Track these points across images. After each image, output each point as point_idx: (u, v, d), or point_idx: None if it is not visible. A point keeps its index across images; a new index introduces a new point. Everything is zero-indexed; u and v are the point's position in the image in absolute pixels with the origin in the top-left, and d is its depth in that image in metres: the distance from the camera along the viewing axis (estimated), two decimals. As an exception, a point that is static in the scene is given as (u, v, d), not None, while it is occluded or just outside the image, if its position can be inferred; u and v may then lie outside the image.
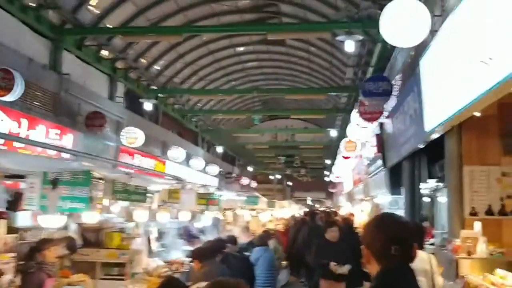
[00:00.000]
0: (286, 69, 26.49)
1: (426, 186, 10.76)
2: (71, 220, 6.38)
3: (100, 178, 5.78)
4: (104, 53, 17.20)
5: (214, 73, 25.12)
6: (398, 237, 2.36)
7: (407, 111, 9.11)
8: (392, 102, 11.04)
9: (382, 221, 2.48)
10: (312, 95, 24.31)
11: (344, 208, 24.97)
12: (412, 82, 8.56)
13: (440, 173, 9.30)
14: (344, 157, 20.09)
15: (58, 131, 12.64)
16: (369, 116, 12.10)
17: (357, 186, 19.81)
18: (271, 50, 23.84)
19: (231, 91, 26.10)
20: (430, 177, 10.12)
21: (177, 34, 14.68)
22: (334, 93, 23.20)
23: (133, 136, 17.06)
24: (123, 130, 17.06)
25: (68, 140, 13.28)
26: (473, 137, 6.96)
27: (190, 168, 24.73)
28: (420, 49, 8.43)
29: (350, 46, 12.23)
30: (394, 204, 13.68)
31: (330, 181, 35.49)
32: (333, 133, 26.15)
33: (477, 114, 6.13)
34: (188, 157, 25.02)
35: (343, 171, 24.55)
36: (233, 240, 7.95)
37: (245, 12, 19.01)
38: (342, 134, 24.72)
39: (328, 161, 37.35)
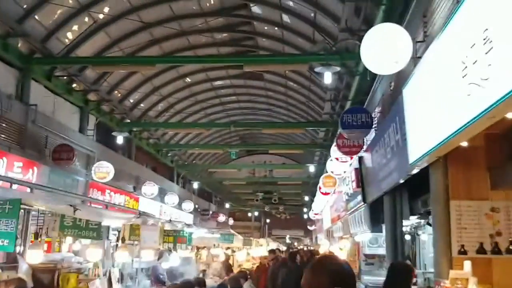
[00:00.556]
0: (264, 103, 26.22)
1: (408, 223, 10.34)
2: (21, 259, 5.73)
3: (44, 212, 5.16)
4: (76, 84, 16.65)
5: (190, 107, 24.73)
6: (339, 278, 2.33)
7: (388, 143, 8.70)
8: (371, 135, 10.68)
9: (322, 263, 2.47)
10: (289, 129, 23.99)
11: (324, 247, 24.35)
12: (393, 113, 8.18)
13: (422, 209, 8.92)
14: (322, 193, 19.63)
15: (21, 164, 11.99)
16: (348, 149, 11.73)
17: (336, 223, 19.28)
18: (248, 84, 23.59)
19: (208, 125, 25.68)
20: (412, 213, 9.71)
21: (151, 64, 14.24)
22: (312, 128, 22.87)
23: (104, 170, 16.49)
24: (93, 164, 16.46)
25: (32, 174, 12.63)
26: (460, 169, 6.53)
27: (165, 204, 24.07)
28: (402, 77, 8.12)
29: (328, 77, 11.91)
30: (375, 241, 13.23)
31: (309, 218, 34.95)
32: (312, 168, 25.75)
33: (464, 144, 5.72)
34: (163, 193, 24.37)
35: (322, 207, 24.08)
36: (201, 282, 7.33)
37: (222, 46, 18.74)
38: (321, 170, 24.37)
39: (306, 198, 36.92)
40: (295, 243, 48.75)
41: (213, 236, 13.47)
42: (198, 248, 13.98)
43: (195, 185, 31.74)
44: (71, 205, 4.89)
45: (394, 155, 8.24)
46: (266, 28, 17.91)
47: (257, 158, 36.60)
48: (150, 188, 21.60)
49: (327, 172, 16.68)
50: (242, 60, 14.77)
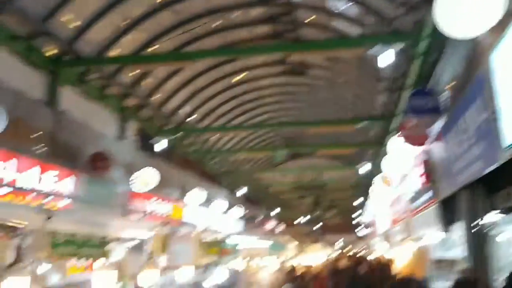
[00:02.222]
0: (309, 102, 24.83)
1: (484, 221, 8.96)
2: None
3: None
4: (111, 89, 15.74)
5: (233, 110, 23.68)
6: None
7: (468, 127, 7.30)
8: (439, 122, 9.30)
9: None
10: (339, 126, 22.36)
11: (380, 251, 22.85)
12: (474, 89, 6.80)
13: (504, 204, 7.59)
14: (379, 193, 18.19)
15: (55, 173, 11.04)
16: (415, 139, 10.30)
17: (396, 226, 17.78)
18: (291, 82, 22.30)
19: (252, 127, 24.54)
20: (490, 209, 8.39)
21: (190, 59, 13.13)
22: (364, 124, 21.25)
23: (146, 179, 15.51)
24: (134, 173, 15.53)
25: (67, 184, 11.69)
26: None
27: (211, 212, 23.08)
28: (483, 44, 6.74)
29: (386, 59, 10.51)
30: (445, 243, 11.80)
31: (362, 222, 33.46)
32: (366, 167, 24.12)
33: None
34: (209, 201, 23.40)
35: (377, 209, 22.63)
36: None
37: (263, 39, 17.52)
38: (374, 170, 22.84)
39: (358, 200, 35.34)
40: (347, 248, 47.18)
41: (263, 245, 12.22)
42: (248, 257, 12.82)
43: (241, 191, 30.66)
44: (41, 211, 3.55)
45: (478, 140, 6.85)
46: (309, 16, 16.60)
47: (303, 161, 35.26)
48: (195, 196, 20.63)
49: (384, 170, 15.32)
50: (287, 47, 13.47)
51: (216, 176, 28.33)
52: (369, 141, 22.58)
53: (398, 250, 17.86)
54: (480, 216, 8.61)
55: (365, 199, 28.45)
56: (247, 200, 34.61)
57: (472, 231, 8.75)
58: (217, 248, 6.80)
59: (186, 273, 6.11)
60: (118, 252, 6.04)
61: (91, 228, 3.82)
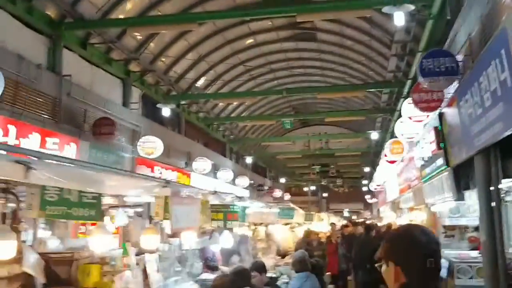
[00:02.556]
0: (318, 68, 24.33)
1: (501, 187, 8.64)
2: (28, 249, 4.41)
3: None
4: (115, 53, 15.37)
5: (240, 76, 23.27)
6: (432, 248, 2.17)
7: (486, 87, 6.89)
8: (453, 86, 8.90)
9: (414, 234, 2.20)
10: (348, 92, 21.90)
11: (388, 219, 22.67)
12: (492, 49, 6.38)
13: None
14: (389, 161, 17.83)
15: (57, 140, 10.81)
16: (427, 105, 9.86)
17: (405, 194, 17.52)
18: (300, 47, 21.80)
19: (259, 93, 24.13)
20: (505, 176, 7.96)
21: (193, 21, 12.71)
22: (374, 90, 20.81)
23: (151, 146, 15.30)
24: (139, 140, 15.30)
25: (71, 150, 11.46)
26: None
27: (218, 180, 22.92)
28: (504, 2, 6.34)
29: (399, 19, 10.07)
30: (456, 211, 11.50)
31: (369, 190, 33.21)
32: (374, 136, 23.77)
33: None
34: (216, 169, 23.24)
35: (386, 178, 22.33)
36: (260, 266, 5.87)
37: (271, 5, 16.98)
38: (383, 138, 22.52)
39: (366, 169, 35.08)
40: (354, 217, 47.16)
41: (271, 211, 11.98)
42: (255, 225, 12.62)
43: (249, 160, 30.46)
44: (19, 162, 3.16)
45: (498, 101, 6.44)
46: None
47: (311, 129, 34.87)
48: (202, 164, 20.47)
49: (395, 137, 14.97)
50: (295, 9, 12.98)
51: (223, 143, 28.09)
52: (379, 108, 22.20)
53: (407, 218, 17.65)
54: (495, 182, 8.29)
55: (374, 167, 28.17)
56: (255, 168, 34.45)
57: (487, 197, 8.45)
58: (223, 213, 6.52)
59: (190, 238, 5.88)
60: (120, 217, 5.80)
61: (86, 186, 3.56)
